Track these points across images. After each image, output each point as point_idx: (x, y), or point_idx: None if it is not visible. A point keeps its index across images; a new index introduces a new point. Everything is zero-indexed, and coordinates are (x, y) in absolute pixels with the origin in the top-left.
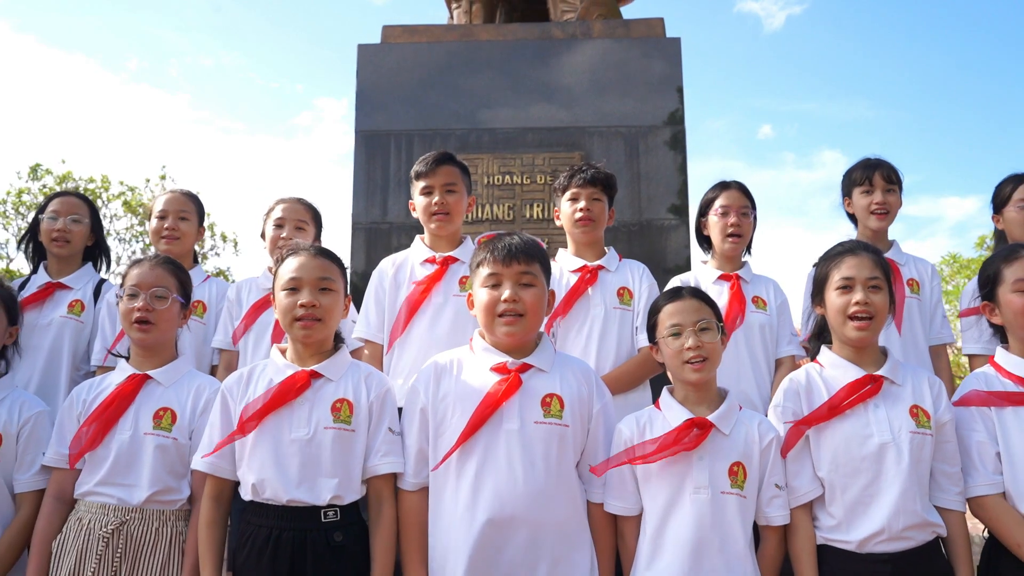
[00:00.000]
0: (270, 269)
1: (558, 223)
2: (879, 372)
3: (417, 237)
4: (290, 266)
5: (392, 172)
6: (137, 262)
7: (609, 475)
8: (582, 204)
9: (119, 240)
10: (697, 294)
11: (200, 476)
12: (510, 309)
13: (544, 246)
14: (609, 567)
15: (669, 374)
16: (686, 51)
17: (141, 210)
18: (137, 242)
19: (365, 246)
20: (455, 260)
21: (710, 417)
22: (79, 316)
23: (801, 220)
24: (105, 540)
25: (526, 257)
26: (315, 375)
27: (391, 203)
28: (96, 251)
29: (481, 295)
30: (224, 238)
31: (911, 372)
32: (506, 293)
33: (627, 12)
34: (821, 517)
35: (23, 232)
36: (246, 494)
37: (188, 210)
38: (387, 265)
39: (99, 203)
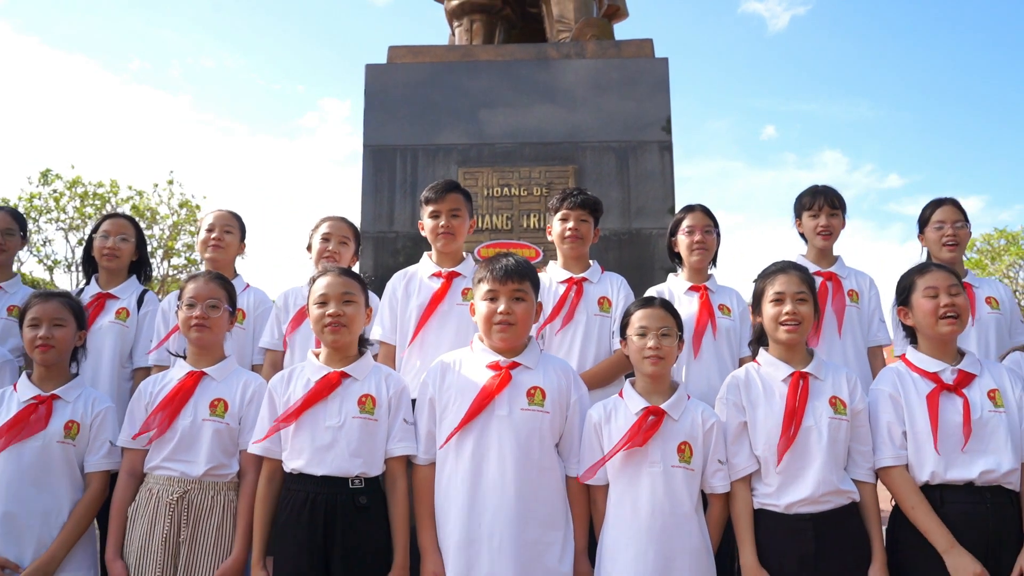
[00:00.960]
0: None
1: (549, 238)
2: (805, 369)
3: (425, 254)
4: (320, 284)
5: (398, 184)
6: (193, 277)
7: (583, 453)
8: (571, 224)
9: None
10: (665, 305)
11: (250, 457)
12: (504, 319)
13: (541, 255)
14: (583, 526)
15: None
16: (689, 52)
17: (148, 213)
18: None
19: (373, 253)
20: (458, 275)
21: (663, 405)
22: (125, 322)
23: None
24: (171, 506)
25: (519, 276)
26: (344, 375)
27: (397, 213)
28: (140, 265)
29: (481, 307)
30: None
31: (832, 369)
32: (501, 307)
33: (619, 29)
34: (758, 487)
35: (37, 237)
36: (288, 468)
37: (232, 225)
38: (399, 278)
39: (108, 208)
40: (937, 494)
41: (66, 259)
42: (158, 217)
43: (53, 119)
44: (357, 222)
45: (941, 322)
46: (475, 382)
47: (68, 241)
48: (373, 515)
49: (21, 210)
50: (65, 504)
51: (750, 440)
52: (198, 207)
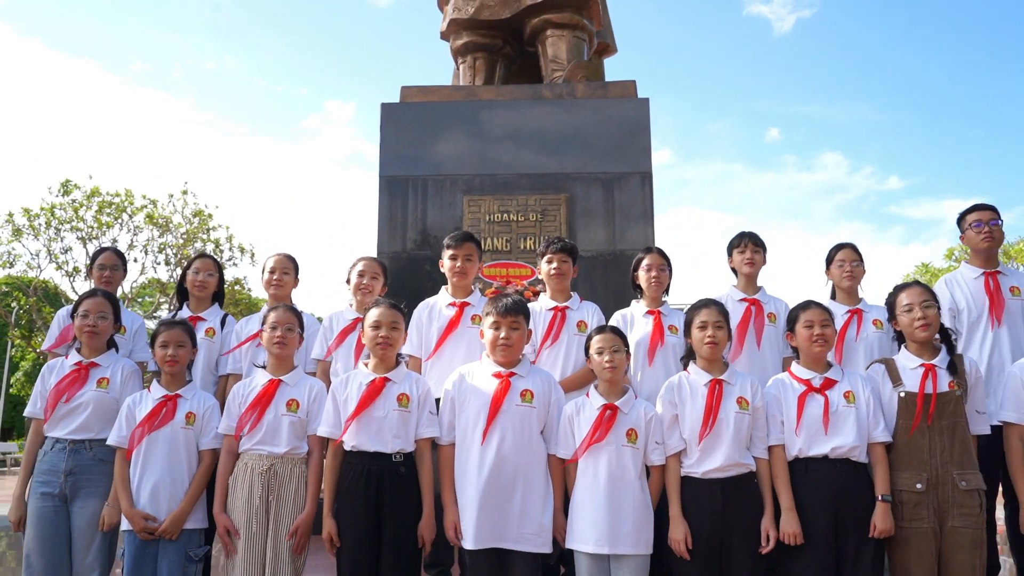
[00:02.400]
0: (351, 305)
1: (539, 276)
2: (721, 377)
3: (443, 287)
4: (374, 313)
5: (410, 210)
6: (274, 308)
7: (560, 437)
8: (555, 265)
9: (144, 251)
10: (615, 330)
11: (316, 439)
12: (504, 343)
13: (536, 273)
14: (560, 490)
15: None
16: (692, 53)
17: (162, 222)
18: (160, 253)
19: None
20: (468, 304)
21: (617, 403)
22: (212, 339)
23: (803, 223)
24: (262, 476)
25: (515, 312)
26: (387, 380)
27: (409, 236)
28: (220, 295)
29: (488, 333)
30: (242, 250)
31: (740, 376)
32: (503, 334)
33: (609, 64)
34: (684, 460)
35: (52, 244)
36: (348, 447)
37: (289, 268)
38: (423, 307)
39: (124, 216)
40: (803, 464)
41: (86, 266)
42: (171, 225)
43: (54, 120)
44: (374, 242)
45: (813, 346)
46: (484, 386)
47: (86, 249)
48: (409, 480)
49: (42, 220)
50: (187, 474)
51: (679, 427)
52: (210, 216)
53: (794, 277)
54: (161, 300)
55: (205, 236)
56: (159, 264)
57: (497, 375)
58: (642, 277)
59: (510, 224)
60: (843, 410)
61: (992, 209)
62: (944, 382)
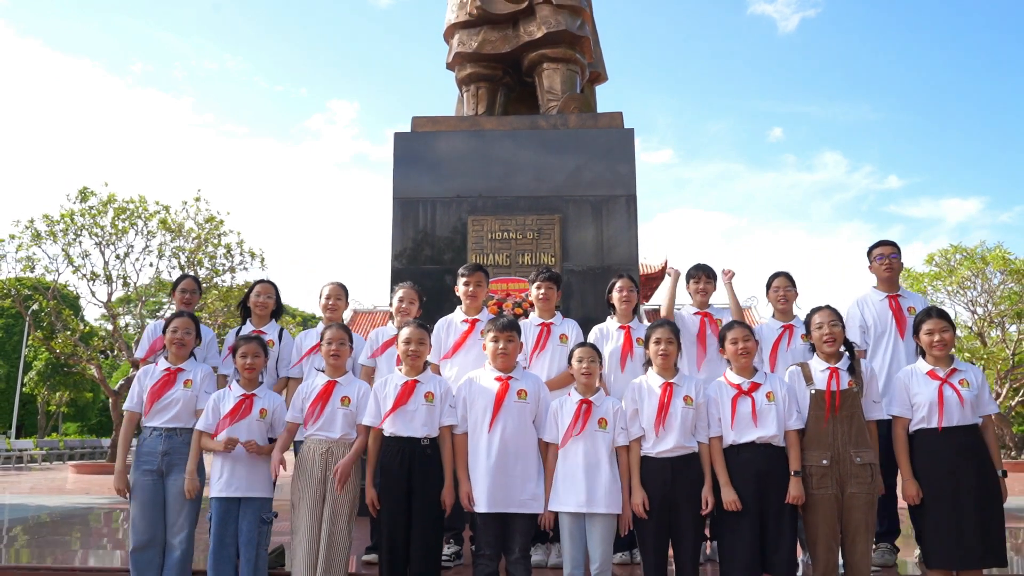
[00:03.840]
0: (392, 322)
1: (530, 298)
2: (672, 380)
3: (458, 307)
4: (406, 332)
5: (421, 228)
6: (330, 327)
7: (548, 426)
8: (542, 291)
9: (159, 256)
10: (592, 346)
11: (362, 427)
12: (503, 353)
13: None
14: (551, 468)
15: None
16: (696, 52)
17: (174, 227)
18: (175, 258)
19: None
20: (478, 320)
21: (591, 399)
22: (272, 349)
23: (802, 223)
24: (321, 456)
25: (511, 328)
26: (417, 382)
27: (420, 252)
28: (278, 312)
29: (490, 345)
30: (252, 255)
31: (687, 379)
32: (501, 346)
33: (601, 92)
34: (643, 444)
35: (70, 248)
36: (387, 433)
37: (340, 295)
38: (443, 323)
39: (139, 223)
40: (736, 449)
41: (106, 273)
42: (184, 231)
43: (58, 122)
44: (388, 257)
45: (740, 358)
46: (489, 387)
47: (103, 255)
48: (434, 459)
49: (62, 227)
50: (259, 455)
51: (640, 419)
52: (221, 222)
53: (794, 277)
54: (164, 300)
55: (216, 241)
56: (174, 268)
57: (498, 378)
58: (615, 298)
59: (510, 242)
60: (765, 407)
61: (893, 245)
62: (845, 382)
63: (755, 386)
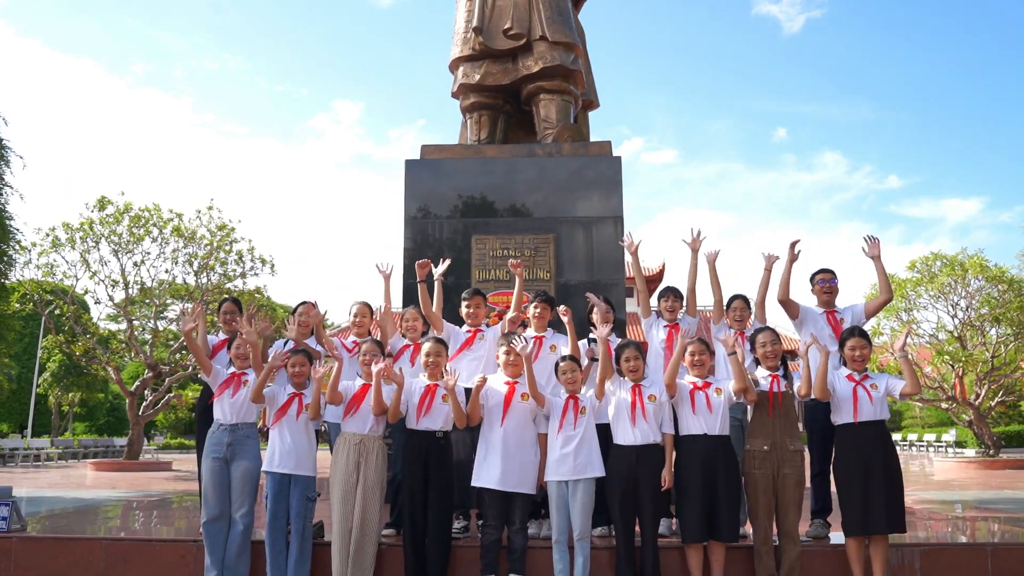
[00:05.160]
0: (403, 336)
1: (526, 318)
2: (641, 383)
3: (465, 325)
4: (426, 347)
5: (430, 247)
6: (365, 341)
7: (542, 421)
8: (539, 311)
9: (174, 263)
10: (574, 358)
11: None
12: (511, 365)
13: (530, 299)
14: (545, 453)
15: None
16: (699, 52)
17: (188, 233)
18: (190, 264)
19: (412, 299)
20: (480, 330)
21: (577, 395)
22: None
23: (802, 223)
24: (354, 447)
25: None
26: (436, 386)
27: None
28: (318, 329)
29: (502, 357)
30: (263, 261)
31: (652, 381)
32: (511, 359)
33: (594, 119)
34: (613, 434)
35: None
36: (409, 427)
37: (366, 314)
38: (449, 329)
39: (155, 231)
40: (691, 438)
41: (124, 280)
42: (196, 237)
43: (59, 123)
44: (400, 274)
45: (694, 369)
46: (500, 390)
47: (119, 260)
48: (446, 449)
49: (80, 235)
50: (306, 441)
51: (607, 412)
52: (233, 229)
53: (794, 277)
54: (169, 301)
55: (228, 248)
56: (188, 274)
57: (507, 383)
58: (596, 318)
59: (508, 259)
60: (716, 402)
61: (831, 272)
62: (782, 386)
63: (707, 384)
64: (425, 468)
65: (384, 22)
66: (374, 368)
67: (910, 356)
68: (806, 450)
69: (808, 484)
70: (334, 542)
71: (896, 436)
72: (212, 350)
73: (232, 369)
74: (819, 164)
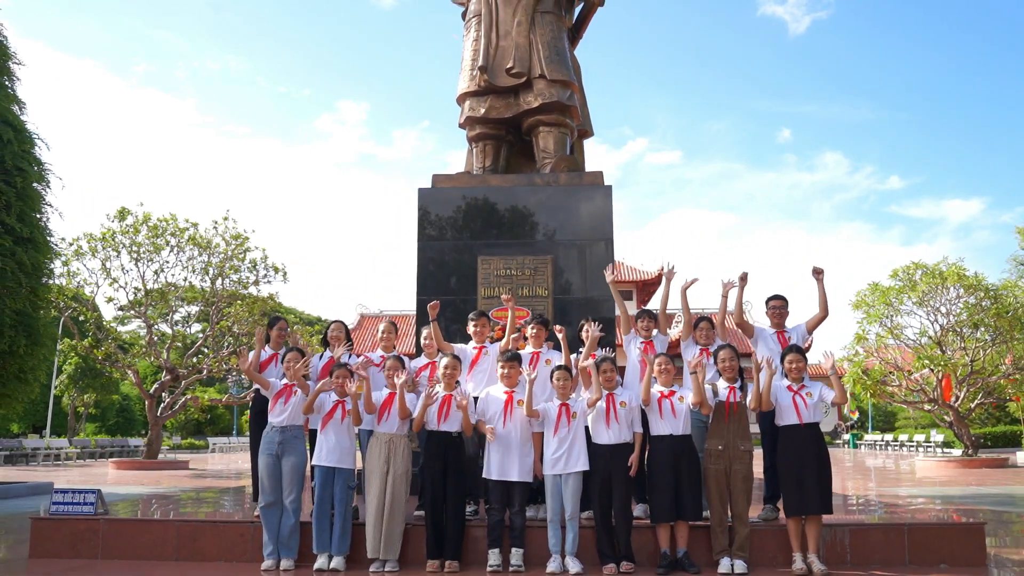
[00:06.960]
0: (424, 354)
1: (525, 336)
2: (614, 392)
3: (472, 340)
4: (443, 362)
5: (441, 267)
6: (390, 357)
7: (536, 424)
8: (535, 332)
9: (192, 272)
10: (566, 368)
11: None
12: (508, 375)
13: (529, 314)
14: (539, 451)
15: None
16: (704, 53)
17: (203, 242)
18: (206, 272)
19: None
20: (484, 347)
21: (567, 401)
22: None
23: (802, 223)
24: (385, 444)
25: (514, 359)
26: (452, 396)
27: (441, 286)
28: (349, 341)
29: (499, 370)
30: (276, 269)
31: (626, 389)
32: (507, 371)
33: (596, 119)
34: (592, 435)
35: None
36: (429, 429)
37: (393, 331)
38: (459, 349)
39: (172, 240)
40: (659, 438)
41: (145, 288)
42: (211, 246)
43: (55, 121)
44: (413, 293)
45: (661, 376)
46: (499, 398)
47: (139, 269)
48: (461, 447)
49: (102, 244)
50: (348, 440)
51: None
52: (247, 238)
53: (794, 277)
54: (175, 304)
55: (242, 256)
56: (205, 283)
57: (506, 392)
58: (584, 335)
59: (511, 278)
60: (680, 408)
61: (783, 299)
62: (738, 396)
63: (672, 392)
64: (444, 462)
65: (385, 23)
66: (398, 381)
67: (838, 372)
68: (757, 449)
69: (761, 476)
70: (368, 522)
71: (888, 437)
72: (260, 366)
73: (284, 381)
74: (820, 164)
